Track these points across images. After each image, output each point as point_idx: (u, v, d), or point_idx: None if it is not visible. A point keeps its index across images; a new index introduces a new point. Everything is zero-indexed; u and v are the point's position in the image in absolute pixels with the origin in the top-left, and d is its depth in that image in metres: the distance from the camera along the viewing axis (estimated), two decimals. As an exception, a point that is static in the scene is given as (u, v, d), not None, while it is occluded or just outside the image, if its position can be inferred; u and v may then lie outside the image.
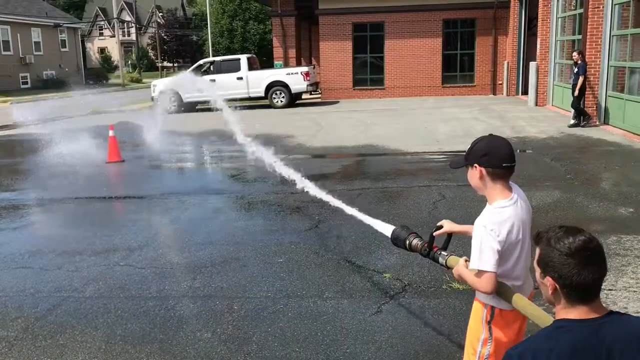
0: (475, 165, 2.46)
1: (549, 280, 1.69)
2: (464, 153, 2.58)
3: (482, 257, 2.35)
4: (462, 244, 3.00)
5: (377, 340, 3.95)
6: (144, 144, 13.38)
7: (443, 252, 2.72)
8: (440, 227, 2.79)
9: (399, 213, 6.98)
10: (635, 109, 11.51)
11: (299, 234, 6.36)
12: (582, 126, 12.84)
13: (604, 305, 1.73)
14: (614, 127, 12.46)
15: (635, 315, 1.77)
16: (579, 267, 1.63)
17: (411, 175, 9.28)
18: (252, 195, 8.40)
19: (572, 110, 13.23)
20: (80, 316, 4.53)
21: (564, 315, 1.69)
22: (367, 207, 7.27)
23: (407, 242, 2.91)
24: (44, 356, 3.95)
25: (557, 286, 1.67)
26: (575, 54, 13.06)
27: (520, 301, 2.39)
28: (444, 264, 2.70)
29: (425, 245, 2.78)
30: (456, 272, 2.56)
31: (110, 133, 11.44)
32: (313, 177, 9.32)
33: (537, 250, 1.75)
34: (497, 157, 2.42)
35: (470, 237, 2.50)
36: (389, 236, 3.09)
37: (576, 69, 12.86)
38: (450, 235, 2.78)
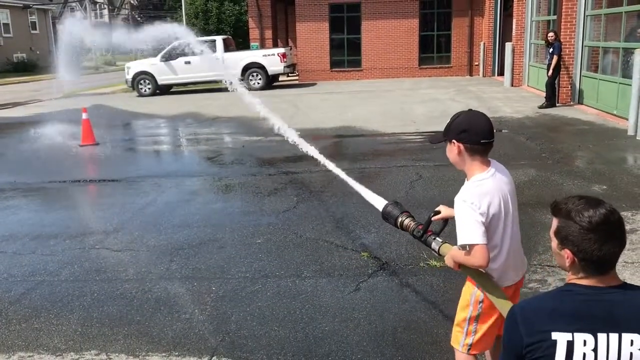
0: (454, 141, 2.45)
1: (567, 253, 1.66)
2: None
3: (467, 231, 2.33)
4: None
5: (356, 318, 3.97)
6: (118, 127, 13.20)
7: (437, 238, 2.66)
8: (438, 212, 2.74)
9: (377, 193, 6.98)
10: (608, 88, 11.65)
11: (277, 215, 6.34)
12: (543, 107, 12.92)
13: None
14: (588, 106, 12.60)
15: None
16: (600, 242, 1.60)
17: (389, 155, 9.30)
18: (229, 177, 8.35)
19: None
20: (56, 300, 4.47)
21: (576, 282, 1.68)
22: (345, 188, 7.27)
23: (399, 220, 2.84)
24: (19, 340, 3.89)
25: (576, 259, 1.64)
26: (550, 34, 13.14)
27: (494, 291, 2.42)
28: (437, 250, 2.65)
29: (419, 227, 2.72)
30: (449, 258, 2.53)
31: (84, 116, 11.24)
32: (291, 159, 9.31)
33: (555, 222, 1.71)
34: (476, 133, 2.40)
35: None
36: (380, 210, 3.03)
37: (551, 49, 12.95)
38: (446, 221, 2.72)
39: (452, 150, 2.47)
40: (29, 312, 4.28)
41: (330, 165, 4.31)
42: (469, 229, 2.32)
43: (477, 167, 2.43)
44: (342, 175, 4.11)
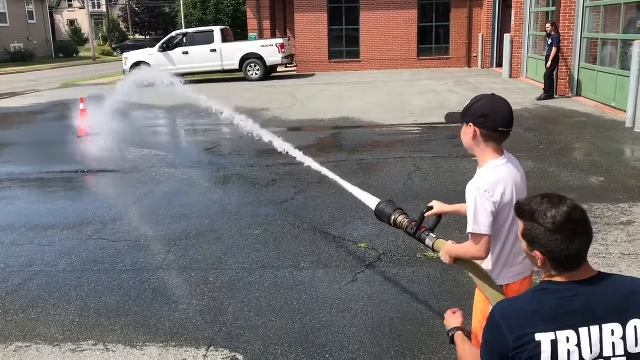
0: (471, 124, 2.37)
1: (536, 254, 1.67)
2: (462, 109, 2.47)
3: (476, 220, 2.28)
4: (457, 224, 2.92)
5: (353, 309, 3.97)
6: (116, 117, 13.16)
7: (431, 234, 2.63)
8: (431, 207, 2.70)
9: (374, 184, 6.99)
10: (606, 80, 11.64)
11: (275, 206, 6.34)
12: (542, 98, 12.94)
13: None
14: (587, 98, 12.60)
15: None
16: (567, 241, 1.61)
17: (386, 147, 9.29)
18: (228, 168, 8.34)
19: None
20: (53, 290, 4.47)
21: (551, 279, 1.69)
22: (344, 179, 7.27)
23: (392, 218, 2.80)
24: (16, 330, 3.90)
25: (546, 259, 1.66)
26: (548, 25, 13.10)
27: (479, 275, 2.41)
28: (431, 247, 2.63)
29: (413, 224, 2.69)
30: (445, 254, 2.49)
31: (81, 106, 11.21)
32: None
33: (521, 224, 1.73)
34: (495, 120, 2.33)
35: (461, 217, 2.43)
36: (373, 210, 2.98)
37: (550, 41, 12.92)
38: (440, 216, 2.69)
39: (467, 133, 2.40)
40: (26, 303, 4.28)
41: (317, 166, 4.29)
42: (479, 217, 2.28)
43: (490, 154, 2.37)
44: (330, 174, 4.09)
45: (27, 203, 7.06)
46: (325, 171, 4.25)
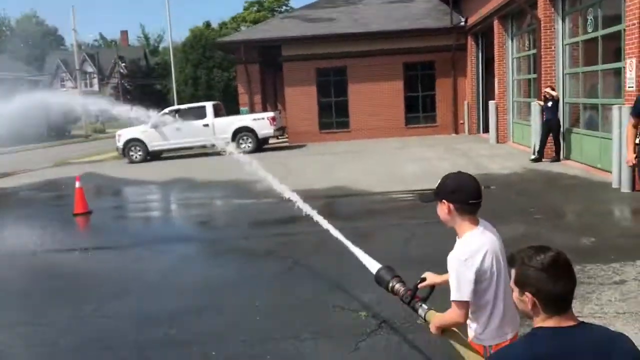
0: (444, 200, 2.62)
1: (527, 296, 1.87)
2: (434, 189, 2.72)
3: (460, 288, 2.48)
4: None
5: (357, 378, 3.98)
6: (111, 194, 13.29)
7: (423, 305, 2.81)
8: (424, 279, 2.90)
9: (371, 251, 7.06)
10: (591, 143, 11.97)
11: (274, 276, 6.39)
12: (535, 160, 13.24)
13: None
14: (574, 161, 12.90)
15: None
16: (553, 279, 1.83)
17: (381, 214, 9.42)
18: (224, 241, 8.40)
19: (533, 145, 13.64)
20: (55, 370, 4.45)
21: (540, 325, 1.87)
22: (341, 248, 7.35)
23: (390, 285, 3.00)
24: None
25: (536, 300, 1.85)
26: (549, 90, 12.98)
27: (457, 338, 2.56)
28: (423, 317, 2.79)
29: (408, 292, 2.88)
30: (433, 325, 2.67)
31: (77, 184, 11.33)
32: (284, 220, 9.41)
33: (513, 271, 1.92)
34: (464, 194, 2.58)
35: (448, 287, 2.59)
36: (373, 274, 3.17)
37: (550, 104, 12.91)
38: (432, 287, 2.88)
39: (443, 209, 2.64)
40: (27, 384, 4.26)
41: (326, 225, 4.43)
42: (461, 286, 2.48)
43: (467, 226, 2.60)
44: (339, 235, 4.23)
45: (24, 283, 7.05)
46: (332, 230, 4.34)
